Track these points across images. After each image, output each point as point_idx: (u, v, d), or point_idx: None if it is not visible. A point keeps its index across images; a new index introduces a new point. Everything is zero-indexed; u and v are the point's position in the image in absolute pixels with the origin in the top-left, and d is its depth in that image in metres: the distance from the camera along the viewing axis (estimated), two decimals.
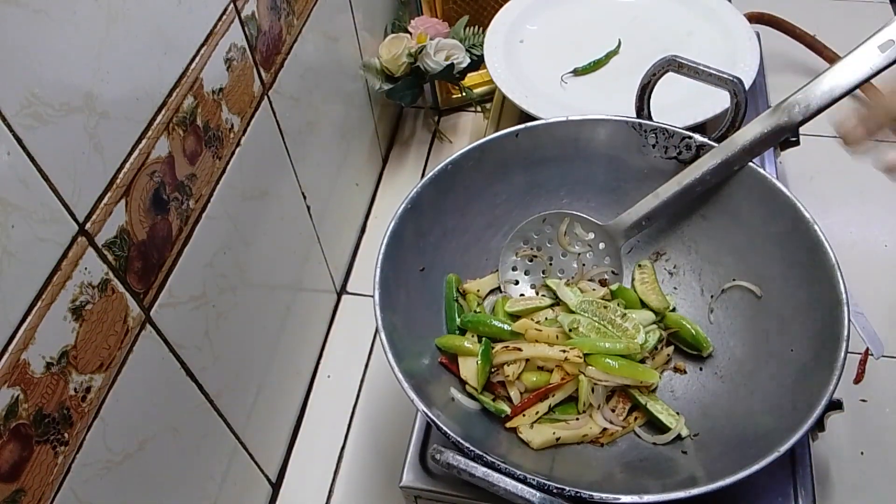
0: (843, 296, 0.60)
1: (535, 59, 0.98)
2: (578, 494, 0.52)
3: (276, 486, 0.87)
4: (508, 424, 0.66)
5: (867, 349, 0.85)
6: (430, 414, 0.57)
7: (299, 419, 0.93)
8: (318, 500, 0.87)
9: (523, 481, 0.53)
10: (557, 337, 0.69)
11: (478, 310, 0.74)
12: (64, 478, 0.49)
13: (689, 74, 0.70)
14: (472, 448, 0.55)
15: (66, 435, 0.49)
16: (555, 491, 0.52)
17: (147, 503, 0.60)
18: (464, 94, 1.15)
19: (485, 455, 0.54)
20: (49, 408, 0.47)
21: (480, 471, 0.53)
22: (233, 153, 0.69)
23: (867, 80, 0.62)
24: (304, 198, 0.88)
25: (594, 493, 0.52)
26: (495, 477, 0.53)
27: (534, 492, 0.52)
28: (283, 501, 0.87)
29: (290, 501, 0.87)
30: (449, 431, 0.55)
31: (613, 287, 0.75)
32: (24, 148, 0.44)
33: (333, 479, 0.88)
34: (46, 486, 0.48)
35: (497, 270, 0.77)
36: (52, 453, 0.48)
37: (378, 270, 0.64)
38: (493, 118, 1.04)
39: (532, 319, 0.72)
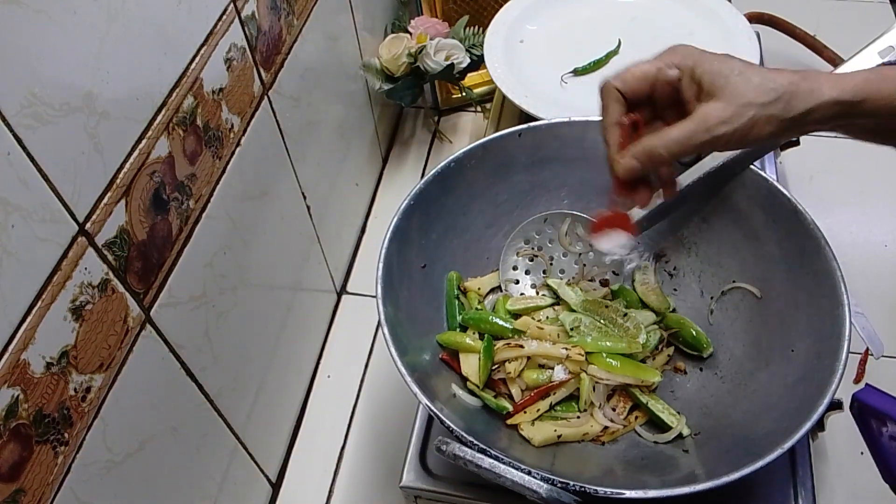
0: (844, 296, 0.60)
1: (535, 59, 0.98)
2: (583, 488, 0.52)
3: (276, 486, 0.87)
4: (510, 421, 0.66)
5: (867, 349, 0.85)
6: (433, 408, 0.57)
7: (299, 419, 0.93)
8: (318, 500, 0.87)
9: (528, 474, 0.53)
10: (559, 335, 0.69)
11: (479, 307, 0.74)
12: (64, 478, 0.49)
13: None
14: (475, 442, 0.55)
15: (66, 435, 0.49)
16: (559, 484, 0.52)
17: (147, 503, 0.60)
18: (464, 94, 1.15)
19: (489, 449, 0.54)
20: (49, 408, 0.47)
21: (487, 462, 0.53)
22: (233, 153, 0.69)
23: None
24: (304, 198, 0.88)
25: (598, 488, 0.52)
26: (501, 468, 0.53)
27: (540, 483, 0.52)
28: (283, 501, 0.87)
29: (290, 501, 0.87)
30: (452, 425, 0.55)
31: (614, 287, 0.75)
32: (24, 148, 0.44)
33: (333, 479, 0.88)
34: (46, 486, 0.48)
35: (498, 269, 0.77)
36: (52, 453, 0.48)
37: (381, 265, 0.65)
38: (493, 118, 1.04)
39: (533, 318, 0.72)
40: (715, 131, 0.49)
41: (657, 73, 0.52)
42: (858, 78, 0.49)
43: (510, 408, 0.67)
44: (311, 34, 0.84)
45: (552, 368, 0.67)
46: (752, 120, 0.49)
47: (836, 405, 0.66)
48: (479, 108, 1.20)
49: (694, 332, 0.71)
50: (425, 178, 0.71)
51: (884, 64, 0.52)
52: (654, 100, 0.54)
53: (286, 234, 0.84)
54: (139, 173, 0.55)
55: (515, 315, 0.73)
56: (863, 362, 0.89)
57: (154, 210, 0.57)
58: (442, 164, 0.72)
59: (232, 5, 0.66)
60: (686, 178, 0.70)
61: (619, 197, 0.58)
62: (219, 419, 0.71)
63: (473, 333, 0.71)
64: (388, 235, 0.67)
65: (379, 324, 0.63)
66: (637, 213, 0.72)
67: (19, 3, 0.42)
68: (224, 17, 0.65)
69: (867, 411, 0.54)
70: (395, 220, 0.68)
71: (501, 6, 1.04)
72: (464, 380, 0.69)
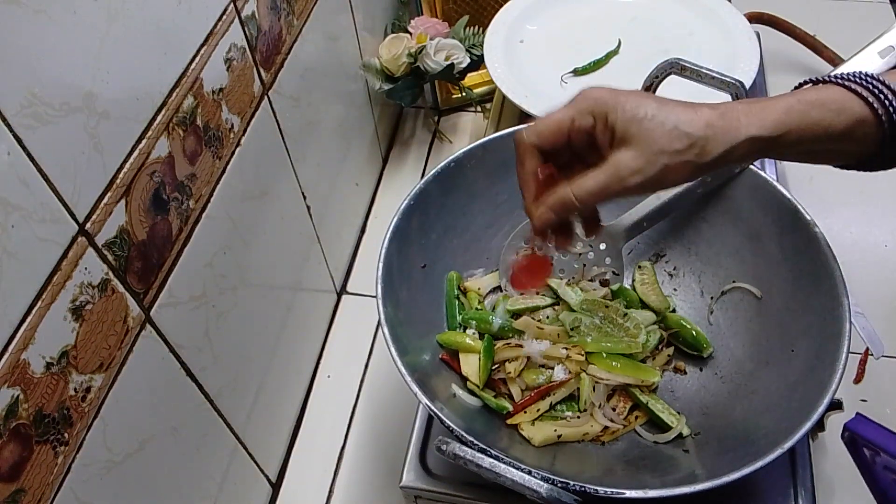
0: (844, 296, 0.60)
1: (535, 59, 0.98)
2: (583, 488, 0.52)
3: (276, 486, 0.87)
4: (510, 421, 0.66)
5: (867, 349, 0.85)
6: (433, 407, 0.57)
7: (299, 419, 0.93)
8: (318, 500, 0.87)
9: (528, 474, 0.53)
10: (559, 335, 0.69)
11: (479, 307, 0.74)
12: (64, 478, 0.49)
13: (692, 77, 0.70)
14: (475, 442, 0.55)
15: (66, 435, 0.49)
16: (559, 484, 0.52)
17: (147, 503, 0.60)
18: (464, 94, 1.15)
19: (489, 449, 0.54)
20: (49, 408, 0.47)
21: (487, 462, 0.53)
22: (233, 153, 0.69)
23: None
24: (304, 198, 0.88)
25: (598, 487, 0.52)
26: (502, 468, 0.53)
27: (540, 483, 0.52)
28: (283, 501, 0.87)
29: (290, 501, 0.87)
30: (452, 425, 0.55)
31: (614, 287, 0.75)
32: (24, 148, 0.44)
33: (333, 479, 0.88)
34: (46, 486, 0.48)
35: (498, 269, 0.77)
36: (52, 453, 0.48)
37: (381, 265, 0.65)
38: (493, 118, 1.04)
39: (533, 318, 0.72)
40: (627, 182, 0.49)
41: (571, 122, 0.51)
42: (780, 109, 0.47)
43: (510, 408, 0.67)
44: (311, 34, 0.84)
45: (552, 368, 0.67)
46: (666, 168, 0.48)
47: (836, 405, 0.66)
48: (479, 108, 1.20)
49: (694, 332, 0.71)
50: (425, 178, 0.71)
51: (807, 82, 0.51)
52: (571, 145, 0.53)
53: (286, 234, 0.84)
54: (139, 173, 0.55)
55: (515, 315, 0.73)
56: (863, 362, 0.89)
57: (154, 210, 0.57)
58: (442, 164, 0.72)
59: (232, 5, 0.66)
60: None
61: (539, 241, 0.57)
62: (219, 419, 0.71)
63: (473, 333, 0.71)
64: (388, 235, 0.67)
65: (379, 324, 0.63)
66: (628, 219, 0.73)
67: (19, 3, 0.42)
68: (224, 17, 0.65)
69: (859, 441, 0.54)
70: (395, 220, 0.68)
71: (501, 6, 1.04)
72: (464, 380, 0.69)
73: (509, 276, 0.63)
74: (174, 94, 0.58)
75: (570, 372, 0.67)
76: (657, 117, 0.48)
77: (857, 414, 0.55)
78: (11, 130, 0.43)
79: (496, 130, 0.77)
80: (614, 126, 0.49)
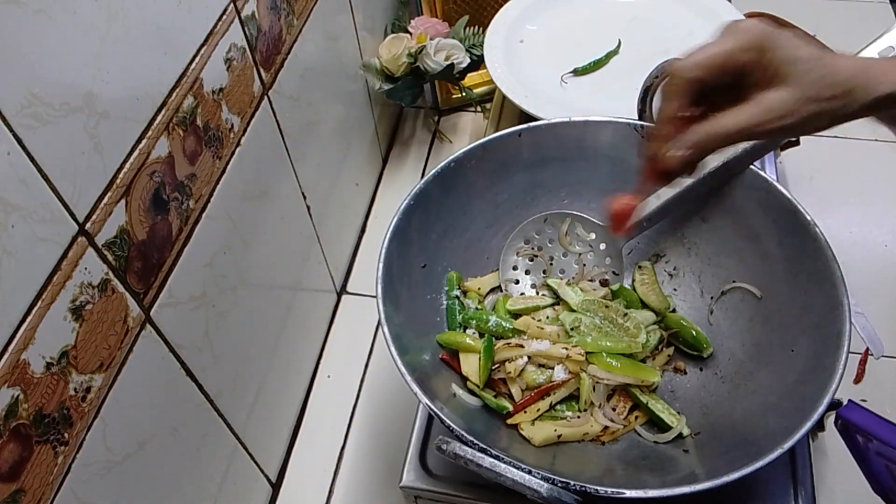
0: (844, 296, 0.60)
1: (535, 59, 0.98)
2: (583, 488, 0.52)
3: (276, 486, 0.87)
4: (510, 421, 0.66)
5: (867, 349, 0.85)
6: (433, 407, 0.57)
7: (299, 419, 0.93)
8: (318, 500, 0.87)
9: (528, 473, 0.53)
10: (559, 335, 0.69)
11: (479, 307, 0.74)
12: (64, 478, 0.49)
13: None
14: (475, 441, 0.55)
15: (66, 435, 0.49)
16: (560, 484, 0.52)
17: (147, 503, 0.60)
18: (464, 94, 1.15)
19: (489, 449, 0.54)
20: (49, 408, 0.47)
21: (487, 461, 0.53)
22: (233, 153, 0.69)
23: None
24: (304, 198, 0.88)
25: (598, 487, 0.52)
26: (502, 468, 0.53)
27: (541, 482, 0.52)
28: (283, 501, 0.87)
29: (290, 501, 0.87)
30: (452, 425, 0.55)
31: (614, 287, 0.75)
32: (24, 148, 0.44)
33: (333, 479, 0.88)
34: (46, 486, 0.48)
35: (498, 269, 0.77)
36: (52, 453, 0.48)
37: (381, 265, 0.65)
38: (493, 118, 1.04)
39: (533, 318, 0.72)
40: (776, 123, 0.47)
41: (730, 56, 0.48)
42: None
43: (510, 407, 0.67)
44: (311, 34, 0.84)
45: (552, 368, 0.67)
46: (812, 114, 0.47)
47: (836, 405, 0.66)
48: (479, 108, 1.20)
49: (694, 332, 0.71)
50: (425, 178, 0.71)
51: None
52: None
53: (286, 234, 0.84)
54: (139, 173, 0.55)
55: (515, 315, 0.73)
56: (863, 362, 0.89)
57: (154, 210, 0.57)
58: (442, 164, 0.72)
59: (232, 5, 0.66)
60: (686, 180, 0.70)
61: (650, 185, 0.54)
62: (219, 419, 0.71)
63: (474, 333, 0.71)
64: (388, 235, 0.67)
65: (379, 324, 0.63)
66: (637, 214, 0.73)
67: (19, 3, 0.42)
68: (224, 17, 0.65)
69: (852, 428, 0.54)
70: (395, 220, 0.68)
71: (501, 6, 1.04)
72: (464, 379, 0.69)
73: (608, 221, 0.61)
74: (174, 94, 0.58)
75: (570, 372, 0.67)
76: (813, 60, 0.47)
77: (850, 401, 0.55)
78: (11, 130, 0.43)
79: (496, 130, 0.77)
80: (769, 65, 0.48)
